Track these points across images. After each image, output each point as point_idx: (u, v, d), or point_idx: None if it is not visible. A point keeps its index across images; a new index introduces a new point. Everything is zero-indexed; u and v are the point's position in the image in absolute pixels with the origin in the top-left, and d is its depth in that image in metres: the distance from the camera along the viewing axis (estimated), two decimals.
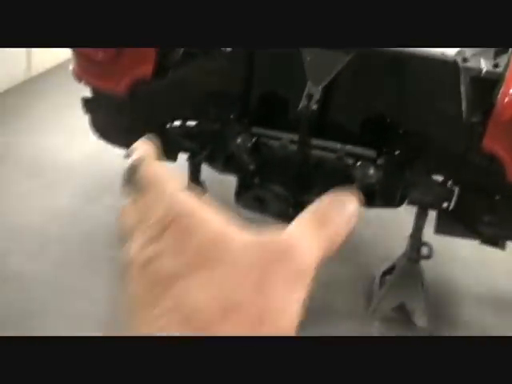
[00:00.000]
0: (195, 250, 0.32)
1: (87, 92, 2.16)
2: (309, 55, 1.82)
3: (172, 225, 0.32)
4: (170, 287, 0.31)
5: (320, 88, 1.77)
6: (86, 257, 2.40)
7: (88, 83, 2.05)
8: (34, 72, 3.79)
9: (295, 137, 1.99)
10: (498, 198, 1.95)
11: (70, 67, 2.05)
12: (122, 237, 0.35)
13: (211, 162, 2.16)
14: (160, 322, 0.30)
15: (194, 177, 2.33)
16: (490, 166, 1.79)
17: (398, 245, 2.44)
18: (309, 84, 1.79)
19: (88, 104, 2.14)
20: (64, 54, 3.92)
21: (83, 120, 3.04)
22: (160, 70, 1.92)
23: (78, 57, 1.97)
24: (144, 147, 0.37)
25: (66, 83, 3.71)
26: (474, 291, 2.52)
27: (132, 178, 0.36)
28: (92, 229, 2.56)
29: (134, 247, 0.33)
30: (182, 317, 0.29)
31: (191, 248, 0.32)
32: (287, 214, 2.02)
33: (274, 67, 2.06)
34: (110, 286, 2.27)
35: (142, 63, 1.88)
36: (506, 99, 1.66)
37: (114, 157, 2.79)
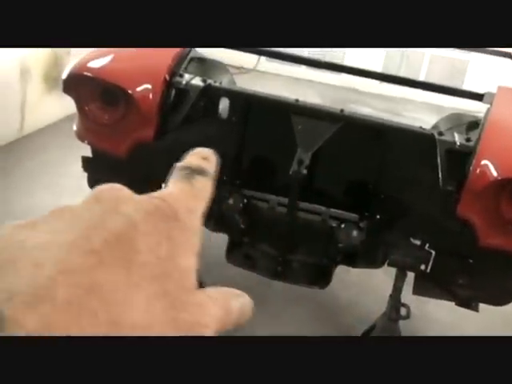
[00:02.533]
0: None
1: (77, 151, 2.26)
2: (299, 124, 1.98)
3: None
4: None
5: (309, 154, 1.92)
6: None
7: (90, 144, 2.16)
8: (27, 132, 3.90)
9: (282, 199, 2.13)
10: (471, 261, 2.08)
11: (74, 127, 2.16)
12: None
13: (203, 220, 2.26)
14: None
15: None
16: (464, 231, 1.94)
17: (376, 306, 2.54)
18: (299, 150, 1.94)
19: (87, 163, 2.24)
20: (56, 114, 4.06)
21: (71, 178, 3.15)
22: (159, 133, 2.05)
23: (83, 117, 2.09)
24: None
25: (56, 143, 3.84)
26: None
27: None
28: None
29: None
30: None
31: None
32: (275, 272, 2.12)
33: (265, 133, 2.22)
34: None
35: (144, 126, 2.01)
36: (478, 170, 1.83)
37: None
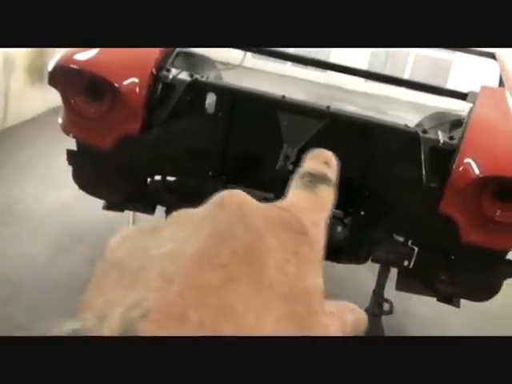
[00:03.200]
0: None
1: (63, 144, 2.25)
2: (285, 120, 1.99)
3: None
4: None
5: (296, 150, 1.93)
6: (58, 304, 2.42)
7: (75, 137, 2.15)
8: (10, 123, 3.86)
9: (268, 195, 2.14)
10: (453, 257, 2.11)
11: (59, 120, 2.14)
12: None
13: None
14: None
15: None
16: (446, 228, 1.96)
17: (359, 301, 2.57)
18: (285, 146, 1.94)
19: (72, 156, 2.22)
20: (40, 107, 4.03)
21: (58, 171, 3.12)
22: (145, 126, 2.05)
23: (68, 110, 2.08)
24: None
25: (41, 135, 3.81)
26: None
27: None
28: (64, 278, 2.59)
29: None
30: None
31: None
32: None
33: (251, 129, 2.23)
34: None
35: (130, 120, 2.01)
36: (461, 168, 1.86)
37: (88, 208, 2.88)
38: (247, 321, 0.26)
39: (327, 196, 0.34)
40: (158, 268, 0.26)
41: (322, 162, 0.36)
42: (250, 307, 0.26)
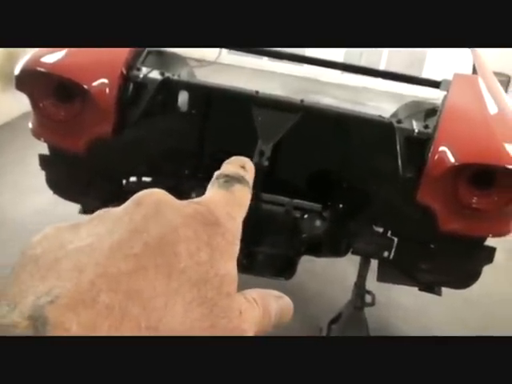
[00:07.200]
0: None
1: (35, 150, 2.20)
2: (259, 115, 1.97)
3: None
4: None
5: (271, 145, 1.91)
6: None
7: (47, 141, 2.11)
8: None
9: None
10: (432, 246, 2.12)
11: (30, 125, 2.10)
12: None
13: None
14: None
15: None
16: (424, 217, 1.96)
17: (342, 295, 2.57)
18: (260, 142, 1.93)
19: (45, 161, 2.18)
20: (12, 112, 3.96)
21: (31, 177, 3.08)
22: (118, 128, 2.02)
23: (38, 114, 2.04)
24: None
25: (13, 141, 3.74)
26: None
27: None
28: None
29: None
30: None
31: None
32: (240, 265, 2.11)
33: (226, 126, 2.21)
34: None
35: (101, 122, 1.97)
36: (436, 157, 1.86)
37: (63, 214, 2.83)
38: (156, 304, 0.27)
39: (242, 194, 0.37)
40: (73, 260, 0.28)
41: (239, 165, 0.39)
42: (158, 291, 0.27)
